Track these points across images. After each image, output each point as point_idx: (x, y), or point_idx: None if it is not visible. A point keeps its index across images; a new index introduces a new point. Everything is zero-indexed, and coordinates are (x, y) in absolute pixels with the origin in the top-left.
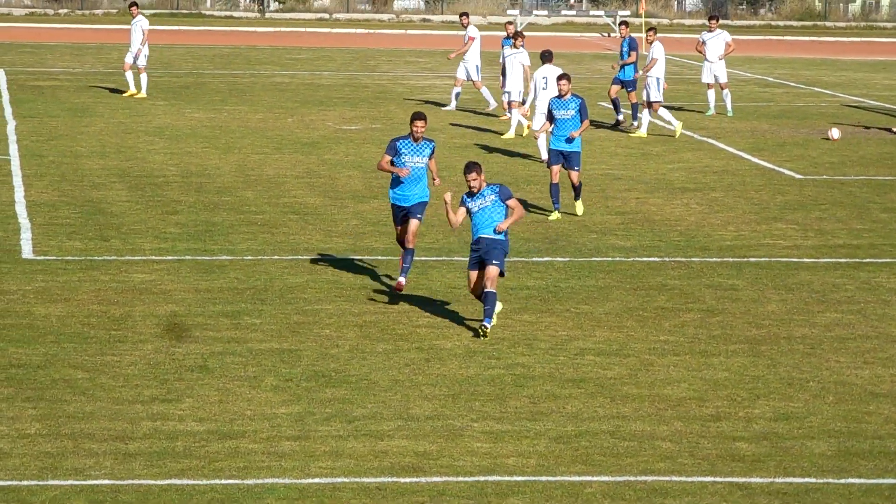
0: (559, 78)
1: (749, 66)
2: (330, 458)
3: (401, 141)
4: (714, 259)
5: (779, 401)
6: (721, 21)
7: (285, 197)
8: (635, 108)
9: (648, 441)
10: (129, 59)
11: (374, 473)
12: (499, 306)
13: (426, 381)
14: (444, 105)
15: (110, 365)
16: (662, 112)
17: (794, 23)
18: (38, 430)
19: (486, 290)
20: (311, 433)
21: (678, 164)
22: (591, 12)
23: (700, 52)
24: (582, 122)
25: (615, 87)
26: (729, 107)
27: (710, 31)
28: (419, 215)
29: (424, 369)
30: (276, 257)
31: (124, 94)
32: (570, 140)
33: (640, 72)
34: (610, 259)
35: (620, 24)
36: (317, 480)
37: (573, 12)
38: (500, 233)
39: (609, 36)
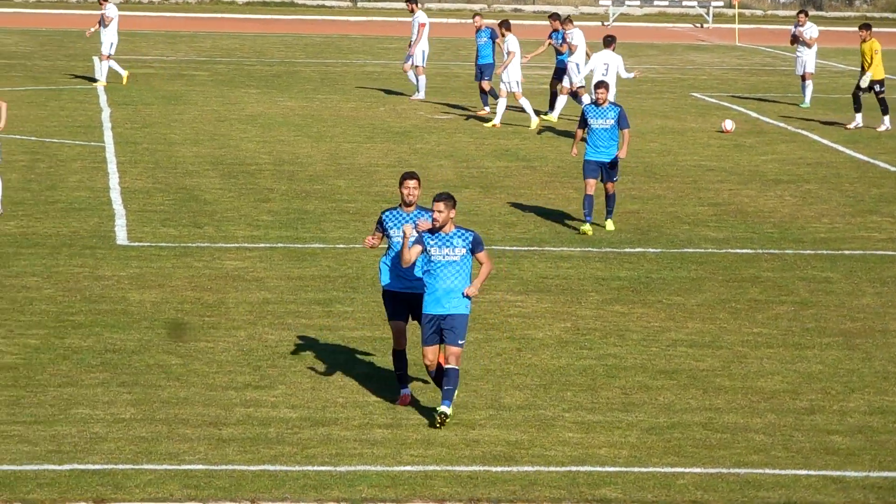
0: (597, 85)
1: (843, 58)
2: (422, 446)
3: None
4: (808, 251)
5: (874, 395)
6: (816, 13)
7: (377, 186)
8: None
9: (741, 433)
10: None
11: (466, 462)
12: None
13: (518, 371)
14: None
15: (204, 351)
16: (561, 99)
17: (890, 14)
18: (133, 414)
19: (448, 366)
20: (402, 421)
21: (772, 155)
22: (684, 2)
23: (805, 41)
24: (621, 131)
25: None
26: (807, 99)
27: (801, 25)
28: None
29: (516, 359)
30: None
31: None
32: (613, 165)
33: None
34: (702, 250)
35: (551, 15)
36: (409, 468)
37: (665, 3)
38: (466, 296)
39: (702, 27)
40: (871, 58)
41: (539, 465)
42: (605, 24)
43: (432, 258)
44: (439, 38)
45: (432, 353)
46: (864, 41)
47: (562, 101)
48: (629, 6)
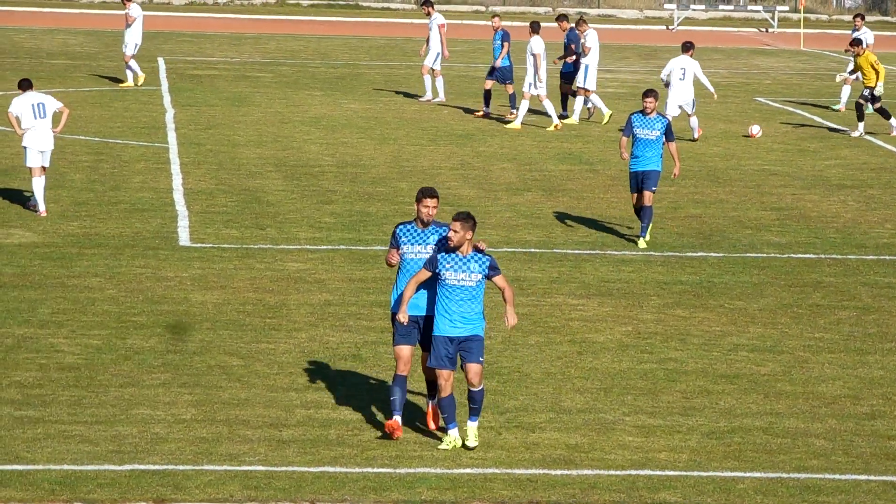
0: (646, 94)
1: None
2: (482, 448)
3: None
4: (871, 256)
5: None
6: (881, 17)
7: (439, 188)
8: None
9: (802, 438)
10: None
11: (526, 465)
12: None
13: (578, 374)
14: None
15: (265, 352)
16: (578, 101)
17: None
18: (194, 415)
19: (472, 389)
20: (462, 424)
21: (835, 160)
22: (749, 7)
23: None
24: (667, 144)
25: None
26: (842, 102)
27: (857, 29)
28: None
29: (577, 362)
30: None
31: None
32: (646, 160)
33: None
34: (765, 255)
35: (559, 17)
36: (468, 471)
37: (730, 7)
38: (510, 326)
39: (767, 31)
40: (874, 68)
41: (598, 469)
42: (670, 28)
43: (447, 281)
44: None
45: (446, 376)
46: (858, 56)
47: (579, 102)
48: (694, 10)
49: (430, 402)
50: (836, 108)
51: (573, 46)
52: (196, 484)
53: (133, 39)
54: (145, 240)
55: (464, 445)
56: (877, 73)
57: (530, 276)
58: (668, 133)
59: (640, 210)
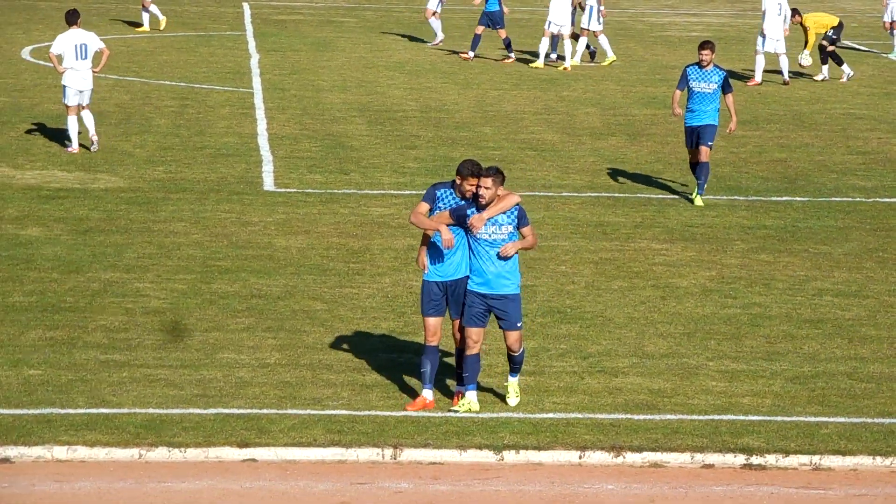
0: (702, 46)
1: None
2: (564, 393)
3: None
4: None
5: None
6: None
7: (523, 133)
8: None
9: (887, 383)
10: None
11: (608, 410)
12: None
13: (661, 319)
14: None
15: (349, 297)
16: (580, 43)
17: None
18: (278, 359)
19: (511, 353)
20: (545, 368)
21: None
22: None
23: None
24: (724, 96)
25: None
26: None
27: None
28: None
29: (660, 307)
30: None
31: None
32: (702, 114)
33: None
34: (850, 199)
35: None
36: (551, 415)
37: None
38: (505, 258)
39: None
40: (811, 32)
41: (682, 414)
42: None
43: (478, 237)
44: None
45: (476, 335)
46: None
47: (582, 42)
48: None
49: (458, 389)
50: (892, 55)
51: None
52: (280, 428)
53: None
54: (230, 185)
55: (504, 401)
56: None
57: (614, 221)
58: (726, 85)
59: (696, 166)
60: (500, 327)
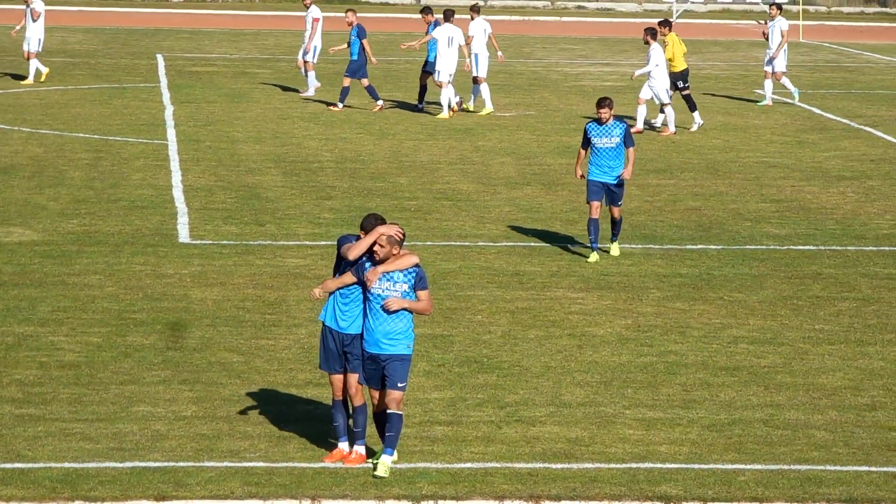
0: (599, 104)
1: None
2: (482, 443)
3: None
4: (871, 248)
5: None
6: (881, 9)
7: (438, 183)
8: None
9: (803, 430)
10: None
11: (526, 459)
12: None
13: (578, 368)
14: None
15: (265, 349)
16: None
17: None
18: (195, 412)
19: (390, 411)
20: (463, 418)
21: (835, 152)
22: (748, 0)
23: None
24: (626, 150)
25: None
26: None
27: (772, 18)
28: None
29: (577, 356)
30: (429, 243)
31: None
32: (619, 185)
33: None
34: (764, 247)
35: (423, 10)
36: (469, 465)
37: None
38: (387, 311)
39: (765, 23)
40: (673, 55)
41: (599, 462)
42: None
43: (372, 292)
44: (502, 35)
45: (373, 396)
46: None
47: (485, 89)
48: (693, 3)
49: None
50: (761, 103)
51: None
52: (197, 481)
53: (37, 35)
54: (145, 237)
55: (373, 475)
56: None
57: (530, 270)
58: (628, 139)
59: (594, 221)
60: (384, 382)
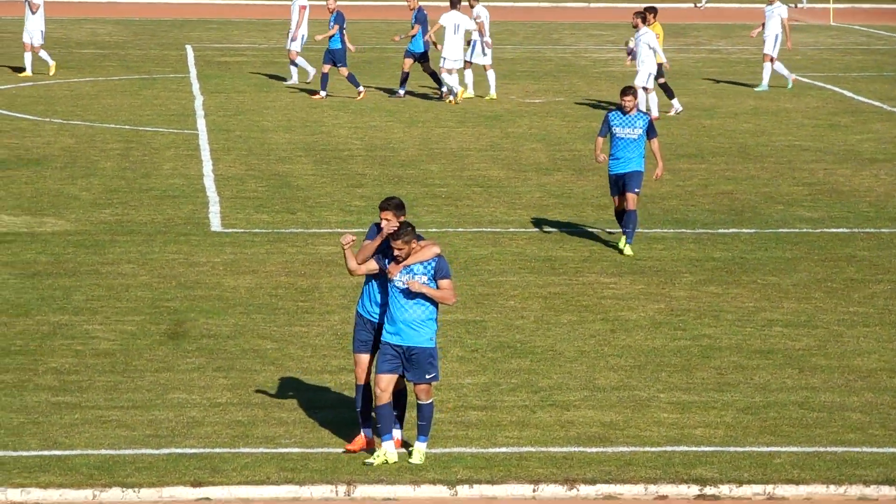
0: (624, 92)
1: None
2: (516, 427)
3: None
4: None
5: None
6: None
7: (469, 170)
8: (434, 76)
9: (839, 412)
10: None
11: (561, 443)
12: (423, 449)
13: (612, 352)
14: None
15: (298, 336)
16: (466, 74)
17: None
18: (230, 399)
19: (419, 402)
20: (497, 403)
21: (867, 134)
22: None
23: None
24: (651, 141)
25: (408, 61)
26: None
27: (770, 3)
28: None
29: (610, 340)
30: (460, 229)
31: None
32: (627, 161)
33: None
34: (797, 230)
35: None
36: (503, 450)
37: None
38: (408, 294)
39: (796, 7)
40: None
41: (634, 446)
42: (698, 5)
43: (394, 283)
44: (531, 21)
45: (385, 383)
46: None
47: (491, 75)
48: None
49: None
50: (758, 89)
51: (417, 26)
52: (233, 467)
53: (38, 26)
54: (177, 226)
55: (409, 462)
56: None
57: (562, 256)
58: (651, 130)
59: (622, 214)
60: (407, 378)
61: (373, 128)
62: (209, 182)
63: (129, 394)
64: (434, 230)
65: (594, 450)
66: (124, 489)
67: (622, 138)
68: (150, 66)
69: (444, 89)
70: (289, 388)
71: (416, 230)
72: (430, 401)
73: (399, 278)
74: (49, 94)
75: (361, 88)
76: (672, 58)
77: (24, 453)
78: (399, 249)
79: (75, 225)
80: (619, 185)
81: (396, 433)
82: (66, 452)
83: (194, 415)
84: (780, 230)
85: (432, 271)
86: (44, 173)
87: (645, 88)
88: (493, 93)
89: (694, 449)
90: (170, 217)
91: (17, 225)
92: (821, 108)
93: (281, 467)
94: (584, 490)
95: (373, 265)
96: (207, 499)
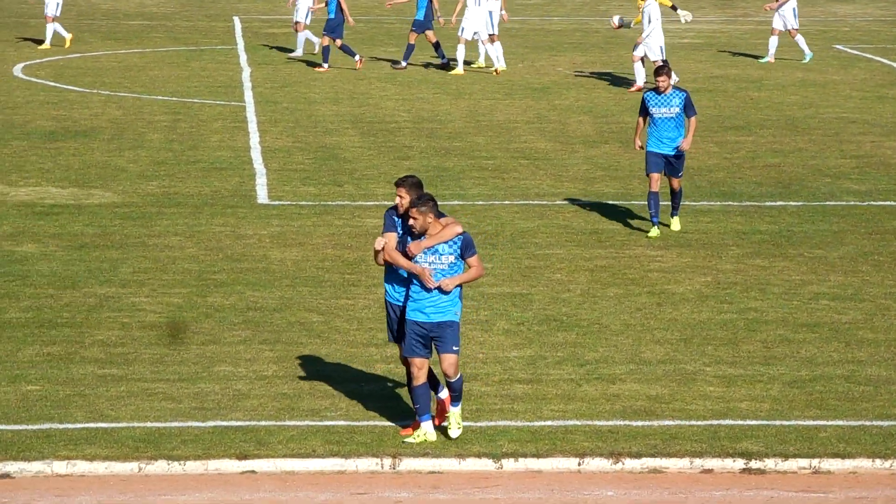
0: (657, 72)
1: None
2: (562, 401)
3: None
4: None
5: None
6: None
7: (516, 142)
8: (437, 47)
9: (885, 386)
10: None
11: (607, 416)
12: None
13: (658, 326)
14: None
15: (344, 308)
16: (494, 47)
17: None
18: (276, 371)
19: (448, 380)
20: (543, 376)
21: None
22: None
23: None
24: (688, 120)
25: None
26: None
27: None
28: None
29: (656, 313)
30: (506, 202)
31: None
32: (678, 157)
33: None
34: (844, 203)
35: None
36: (549, 423)
37: None
38: (446, 292)
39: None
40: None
41: (680, 419)
42: None
43: (418, 263)
44: None
45: (418, 364)
46: None
47: (497, 48)
48: None
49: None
50: (763, 60)
51: None
52: (279, 439)
53: None
54: (224, 198)
55: (446, 434)
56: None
57: (608, 229)
58: (689, 107)
59: (654, 195)
60: (436, 348)
61: (420, 100)
62: (256, 154)
63: (176, 366)
64: (481, 203)
65: (640, 423)
66: (170, 462)
67: (660, 118)
68: (198, 37)
69: (446, 60)
70: (335, 361)
71: (439, 204)
72: (458, 376)
73: (423, 259)
74: (97, 65)
75: (358, 57)
76: (719, 30)
77: (71, 426)
78: (414, 219)
79: (122, 197)
80: (660, 165)
81: (442, 394)
82: (113, 425)
83: (240, 387)
84: (827, 203)
85: (458, 250)
86: (91, 145)
87: (642, 59)
88: (501, 63)
89: (740, 423)
90: (216, 189)
91: (64, 197)
92: (868, 80)
93: (327, 440)
94: (630, 464)
95: (401, 258)
96: (253, 471)
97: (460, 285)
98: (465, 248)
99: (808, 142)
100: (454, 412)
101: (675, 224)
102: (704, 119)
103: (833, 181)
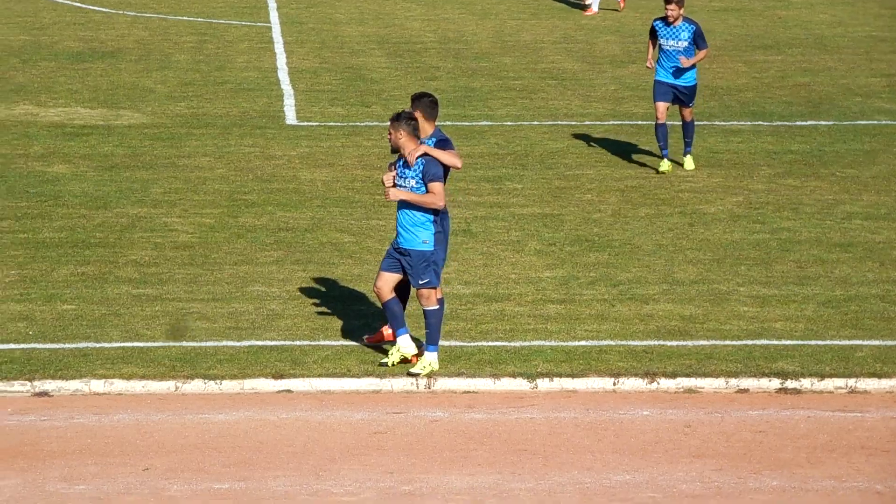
0: (666, 0)
1: None
2: (595, 321)
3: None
4: None
5: None
6: None
7: (543, 62)
8: None
9: None
10: None
11: (640, 337)
12: (429, 359)
13: (690, 246)
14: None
15: (376, 229)
16: None
17: None
18: (309, 291)
19: (424, 308)
20: (576, 297)
21: None
22: None
23: None
24: (700, 51)
25: None
26: None
27: None
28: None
29: (688, 234)
30: (535, 123)
31: None
32: (678, 72)
33: None
34: (876, 122)
35: None
36: (583, 343)
37: None
38: (390, 200)
39: None
40: None
41: (714, 339)
42: None
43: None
44: None
45: (383, 280)
46: None
47: None
48: None
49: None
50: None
51: None
52: (314, 359)
53: None
54: (252, 119)
55: (409, 372)
56: None
57: (638, 149)
58: (700, 40)
59: (662, 127)
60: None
61: (445, 20)
62: (283, 75)
63: (209, 286)
64: (509, 123)
65: (674, 343)
66: (206, 381)
67: (668, 50)
68: None
69: None
70: (367, 281)
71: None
72: (431, 307)
73: (391, 181)
74: None
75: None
76: None
77: (107, 345)
78: (389, 134)
79: (151, 118)
80: (668, 94)
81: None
82: (148, 344)
83: (274, 307)
84: (858, 122)
85: (419, 175)
86: (118, 66)
87: None
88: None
89: (775, 342)
90: (245, 110)
91: (93, 118)
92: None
93: (361, 360)
94: (665, 383)
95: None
96: (289, 390)
97: (433, 219)
98: (425, 173)
99: (838, 61)
100: (425, 357)
101: (689, 163)
102: (732, 38)
103: (864, 100)
